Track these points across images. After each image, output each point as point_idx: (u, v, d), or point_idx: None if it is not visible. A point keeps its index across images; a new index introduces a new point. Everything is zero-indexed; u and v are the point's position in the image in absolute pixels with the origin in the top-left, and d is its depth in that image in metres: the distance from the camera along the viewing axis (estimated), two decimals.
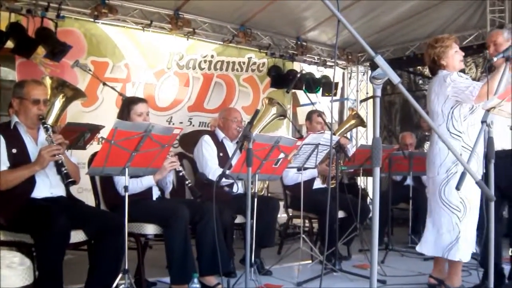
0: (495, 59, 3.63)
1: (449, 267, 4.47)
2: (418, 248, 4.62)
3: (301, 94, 10.60)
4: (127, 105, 4.71)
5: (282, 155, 4.55)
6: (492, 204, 3.23)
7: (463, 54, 4.46)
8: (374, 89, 2.34)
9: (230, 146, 5.65)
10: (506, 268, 4.63)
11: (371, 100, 10.46)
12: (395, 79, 2.29)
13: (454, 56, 4.38)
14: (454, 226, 4.22)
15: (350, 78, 11.11)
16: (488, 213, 3.33)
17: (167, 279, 4.44)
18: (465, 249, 4.24)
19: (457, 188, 2.99)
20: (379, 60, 2.28)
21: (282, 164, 4.71)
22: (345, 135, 7.42)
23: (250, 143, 3.96)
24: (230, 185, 5.29)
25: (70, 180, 3.92)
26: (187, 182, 4.50)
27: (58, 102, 5.86)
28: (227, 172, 4.18)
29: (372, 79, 2.32)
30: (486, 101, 3.09)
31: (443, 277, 4.52)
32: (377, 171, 2.34)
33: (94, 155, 4.66)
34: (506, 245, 4.72)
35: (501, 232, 4.51)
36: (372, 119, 8.19)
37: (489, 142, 3.23)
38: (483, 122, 3.07)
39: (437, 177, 4.30)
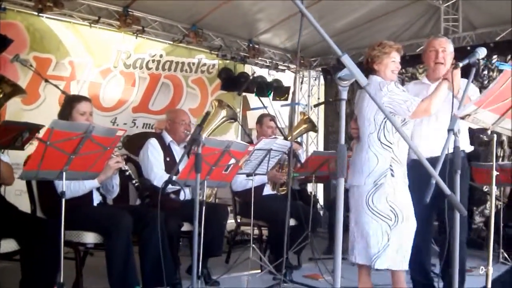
0: (461, 64, 3.50)
1: (392, 279, 4.28)
2: (351, 259, 4.33)
3: (251, 98, 10.44)
4: (69, 103, 4.42)
5: (232, 161, 4.31)
6: (457, 217, 3.06)
7: (399, 67, 4.27)
8: (340, 91, 2.13)
9: (177, 150, 5.40)
10: None
11: (322, 106, 10.42)
12: (363, 81, 2.09)
13: (388, 64, 4.13)
14: (384, 234, 4.02)
15: (301, 83, 10.98)
16: (453, 226, 3.15)
17: None
18: (395, 257, 4.04)
19: (425, 201, 2.81)
20: (346, 59, 2.07)
21: (232, 170, 4.46)
22: (296, 140, 7.26)
23: (200, 148, 3.70)
24: (177, 192, 5.04)
25: None
26: (133, 182, 4.24)
27: None
28: (174, 178, 3.91)
29: (339, 80, 2.11)
30: (461, 108, 2.91)
31: None
32: (341, 181, 2.12)
33: (30, 156, 4.36)
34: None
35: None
36: (323, 125, 8.11)
37: (456, 151, 3.06)
38: (450, 130, 2.90)
39: (363, 186, 4.07)
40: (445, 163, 3.00)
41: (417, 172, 3.89)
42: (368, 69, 4.20)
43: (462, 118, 2.67)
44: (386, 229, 4.00)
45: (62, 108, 4.54)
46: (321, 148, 10.49)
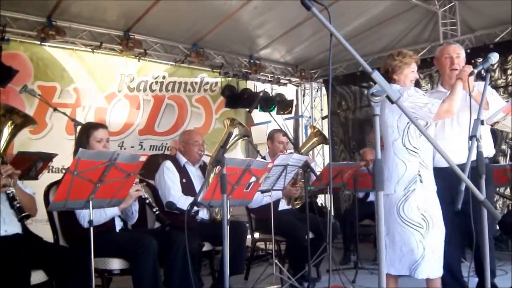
0: (475, 71, 3.53)
1: (427, 285, 4.27)
2: (386, 271, 4.30)
3: (254, 113, 10.47)
4: (86, 131, 4.41)
5: (253, 179, 4.33)
6: (485, 223, 3.08)
7: (417, 77, 4.30)
8: (373, 107, 2.17)
9: (193, 171, 5.42)
10: (474, 280, 4.50)
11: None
12: (394, 96, 2.13)
13: (408, 75, 4.18)
14: (418, 243, 3.94)
15: (303, 95, 11.05)
16: (482, 231, 3.17)
17: None
18: (432, 265, 4.01)
19: (457, 207, 2.82)
20: (376, 75, 2.13)
21: (253, 188, 4.48)
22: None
23: (224, 168, 3.72)
24: (196, 212, 5.06)
25: (24, 214, 3.63)
26: (154, 210, 4.24)
27: (6, 130, 5.52)
28: (199, 199, 3.94)
29: (371, 96, 2.15)
30: (491, 115, 2.94)
31: None
32: (380, 195, 2.14)
33: (50, 186, 4.38)
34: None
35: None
36: (328, 136, 8.02)
37: (479, 157, 3.08)
38: (473, 136, 2.93)
39: (393, 194, 4.01)
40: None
41: (440, 179, 3.93)
42: (386, 78, 4.18)
43: (492, 125, 2.70)
44: (420, 238, 3.93)
45: (79, 136, 4.56)
46: (327, 158, 10.53)
